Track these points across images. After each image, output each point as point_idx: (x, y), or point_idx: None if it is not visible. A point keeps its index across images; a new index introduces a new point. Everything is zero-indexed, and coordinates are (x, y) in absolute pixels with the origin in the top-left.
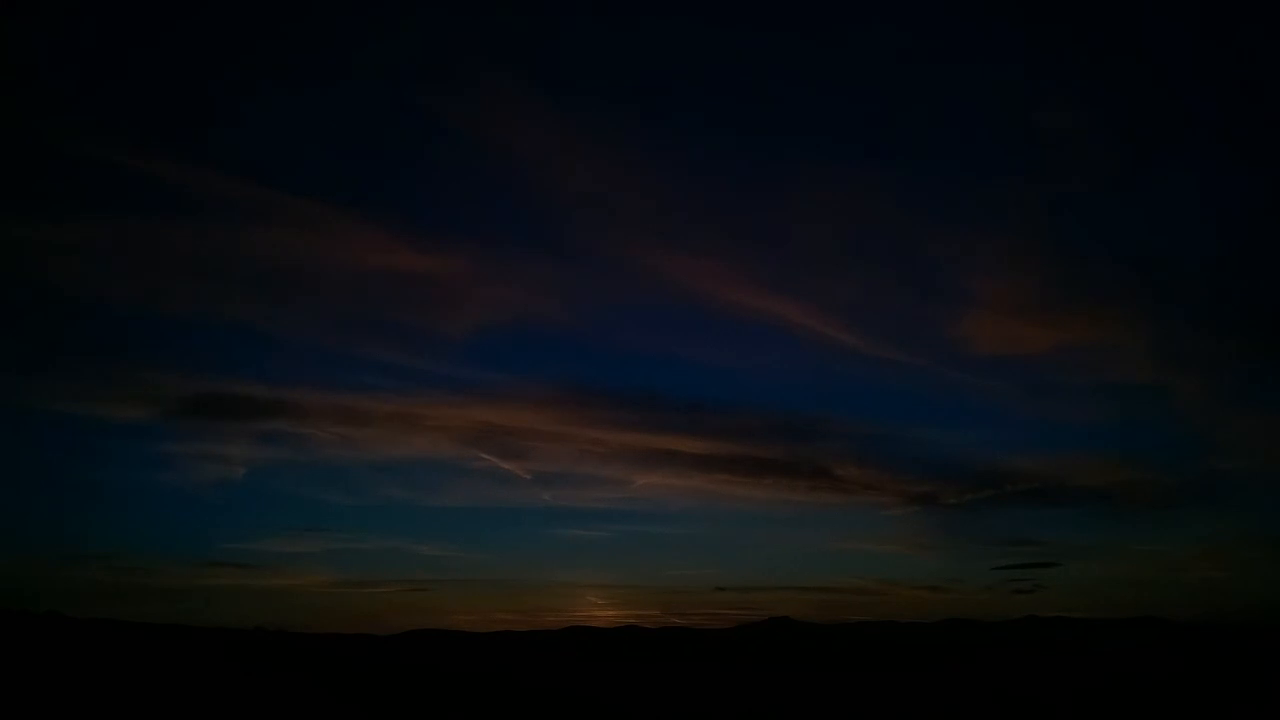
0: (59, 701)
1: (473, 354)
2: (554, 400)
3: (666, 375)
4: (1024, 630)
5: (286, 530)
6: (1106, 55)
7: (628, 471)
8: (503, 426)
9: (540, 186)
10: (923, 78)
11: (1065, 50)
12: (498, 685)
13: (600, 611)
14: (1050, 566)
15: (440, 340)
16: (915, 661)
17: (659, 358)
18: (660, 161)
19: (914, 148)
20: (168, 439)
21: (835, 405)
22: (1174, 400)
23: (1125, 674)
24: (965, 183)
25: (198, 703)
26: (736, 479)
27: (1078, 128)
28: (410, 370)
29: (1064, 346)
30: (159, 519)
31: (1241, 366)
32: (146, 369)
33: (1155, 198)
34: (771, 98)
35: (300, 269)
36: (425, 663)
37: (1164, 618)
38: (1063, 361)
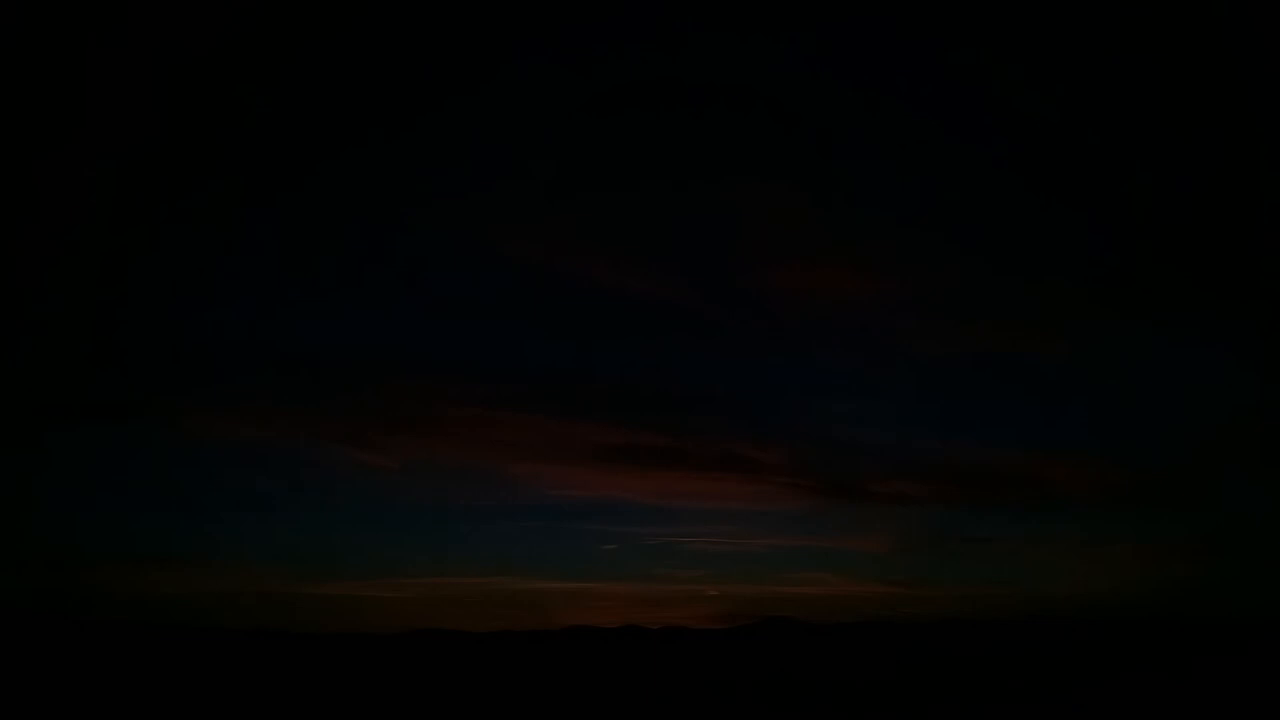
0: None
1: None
2: (378, 376)
3: (491, 346)
4: (1021, 630)
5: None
6: None
7: (503, 460)
8: (342, 406)
9: None
10: None
11: None
12: (495, 685)
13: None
14: (1014, 559)
15: None
16: (915, 660)
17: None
18: None
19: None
20: None
21: (689, 376)
22: (1044, 372)
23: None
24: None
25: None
26: (635, 470)
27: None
28: None
29: (893, 307)
30: None
31: (1102, 330)
32: None
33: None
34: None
35: None
36: (421, 662)
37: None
38: (899, 328)
